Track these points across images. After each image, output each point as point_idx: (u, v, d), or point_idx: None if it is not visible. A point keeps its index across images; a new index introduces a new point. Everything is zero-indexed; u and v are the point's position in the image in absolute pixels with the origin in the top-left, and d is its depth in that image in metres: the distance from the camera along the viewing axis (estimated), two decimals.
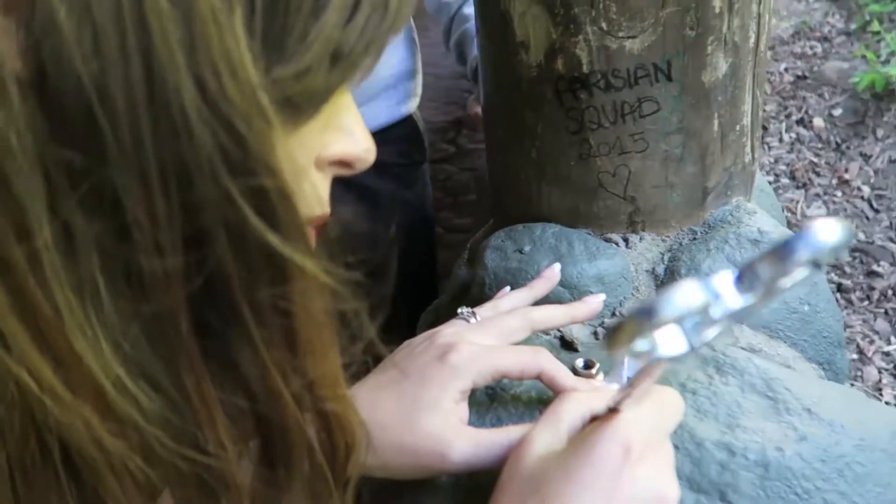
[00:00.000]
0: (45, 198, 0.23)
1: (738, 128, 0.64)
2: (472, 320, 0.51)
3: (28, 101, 0.22)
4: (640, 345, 0.23)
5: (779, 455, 0.42)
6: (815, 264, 0.22)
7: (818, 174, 1.73)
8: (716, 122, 0.62)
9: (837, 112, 2.02)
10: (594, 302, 0.53)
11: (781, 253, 0.21)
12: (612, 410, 0.36)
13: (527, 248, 0.63)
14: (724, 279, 0.23)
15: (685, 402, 0.39)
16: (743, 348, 0.54)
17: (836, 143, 1.87)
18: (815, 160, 1.78)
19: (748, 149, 0.67)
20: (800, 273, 0.22)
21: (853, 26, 2.47)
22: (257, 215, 0.25)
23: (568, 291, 0.60)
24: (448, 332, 0.48)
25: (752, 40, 0.61)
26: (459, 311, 0.52)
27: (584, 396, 0.41)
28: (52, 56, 0.21)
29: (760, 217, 0.65)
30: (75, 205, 0.23)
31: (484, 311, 0.52)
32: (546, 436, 0.38)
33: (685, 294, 0.22)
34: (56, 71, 0.22)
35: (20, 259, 0.22)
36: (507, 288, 0.57)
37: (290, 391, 0.30)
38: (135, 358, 0.26)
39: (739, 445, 0.42)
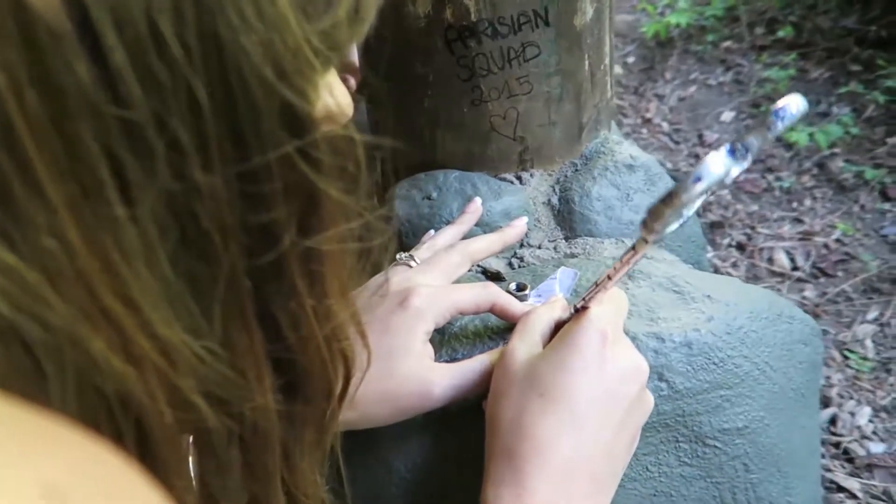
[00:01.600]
0: (106, 160, 0.21)
1: (602, 67, 0.72)
2: (413, 263, 0.53)
3: (82, 54, 0.20)
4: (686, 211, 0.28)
5: (697, 334, 0.50)
6: (768, 128, 0.28)
7: (625, 115, 1.95)
8: (586, 62, 0.69)
9: (631, 60, 2.26)
10: (519, 224, 0.58)
11: (767, 125, 0.27)
12: (582, 308, 0.41)
13: (434, 195, 0.66)
14: (719, 154, 0.27)
15: None
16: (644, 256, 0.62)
17: (634, 87, 2.11)
18: (621, 103, 2.01)
19: (609, 86, 0.75)
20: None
21: None
22: (310, 167, 0.25)
23: (480, 228, 0.64)
24: (397, 279, 0.50)
25: None
26: (398, 256, 0.54)
27: (544, 308, 0.45)
28: (105, 6, 0.20)
29: (627, 146, 0.73)
30: (135, 168, 0.22)
31: (421, 252, 0.54)
32: (524, 346, 0.42)
33: (717, 164, 0.26)
34: (110, 22, 0.20)
35: (93, 224, 0.21)
36: (432, 231, 0.60)
37: (322, 335, 0.30)
38: (193, 322, 0.25)
39: (665, 333, 0.50)
